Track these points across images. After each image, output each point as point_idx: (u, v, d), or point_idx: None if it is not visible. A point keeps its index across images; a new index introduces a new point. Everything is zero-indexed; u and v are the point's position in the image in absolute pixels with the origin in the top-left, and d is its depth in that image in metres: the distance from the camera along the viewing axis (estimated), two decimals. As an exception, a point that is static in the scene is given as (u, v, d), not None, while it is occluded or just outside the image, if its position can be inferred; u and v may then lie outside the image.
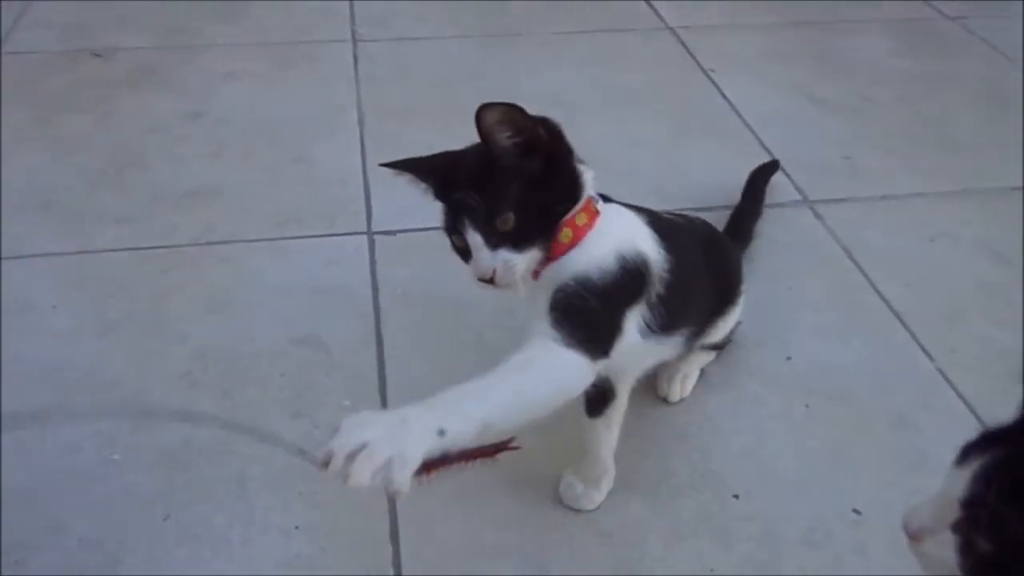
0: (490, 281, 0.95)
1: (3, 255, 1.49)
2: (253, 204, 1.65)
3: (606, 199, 1.04)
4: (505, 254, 0.94)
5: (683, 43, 2.26)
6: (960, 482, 0.60)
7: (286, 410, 1.23)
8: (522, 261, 0.95)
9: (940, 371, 1.34)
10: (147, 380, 1.27)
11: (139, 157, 1.76)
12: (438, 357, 1.32)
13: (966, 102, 2.05)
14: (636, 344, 1.00)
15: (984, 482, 0.59)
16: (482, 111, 0.91)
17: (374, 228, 1.59)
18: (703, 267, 1.14)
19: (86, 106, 1.91)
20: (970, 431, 1.23)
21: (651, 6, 2.44)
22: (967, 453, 0.62)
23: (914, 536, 0.63)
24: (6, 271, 1.46)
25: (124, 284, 1.45)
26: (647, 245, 1.00)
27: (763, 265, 1.51)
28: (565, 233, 0.97)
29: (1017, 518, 0.57)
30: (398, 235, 1.57)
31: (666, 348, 1.09)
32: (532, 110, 0.95)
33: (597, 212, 0.99)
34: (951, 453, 1.19)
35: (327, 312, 1.41)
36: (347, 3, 2.38)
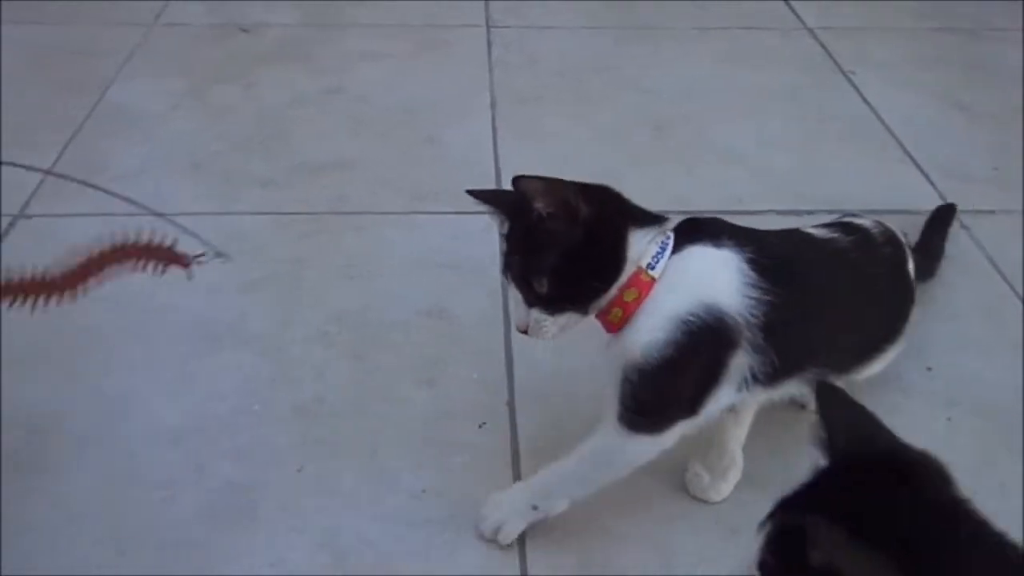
0: (524, 331, 1.00)
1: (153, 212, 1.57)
2: (387, 178, 1.69)
3: (694, 236, 0.97)
4: (537, 314, 0.98)
5: (822, 44, 2.19)
6: (754, 549, 0.63)
7: (416, 377, 1.26)
8: (554, 324, 0.98)
9: (1093, 393, 1.26)
10: (286, 337, 1.32)
11: (281, 127, 1.82)
12: (562, 340, 1.32)
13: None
14: (736, 397, 0.99)
15: (768, 549, 0.62)
16: (517, 182, 0.92)
17: (504, 209, 1.60)
18: (845, 302, 1.06)
19: (234, 77, 1.99)
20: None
21: (789, 5, 2.38)
22: (764, 519, 0.65)
23: None
24: (156, 227, 1.53)
25: (265, 246, 1.51)
26: (726, 292, 0.94)
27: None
28: (615, 313, 0.97)
29: None
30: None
31: (778, 391, 1.04)
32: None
33: (651, 281, 0.95)
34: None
35: (456, 287, 1.43)
36: (482, -10, 2.42)
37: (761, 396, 1.03)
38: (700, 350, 0.94)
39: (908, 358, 1.32)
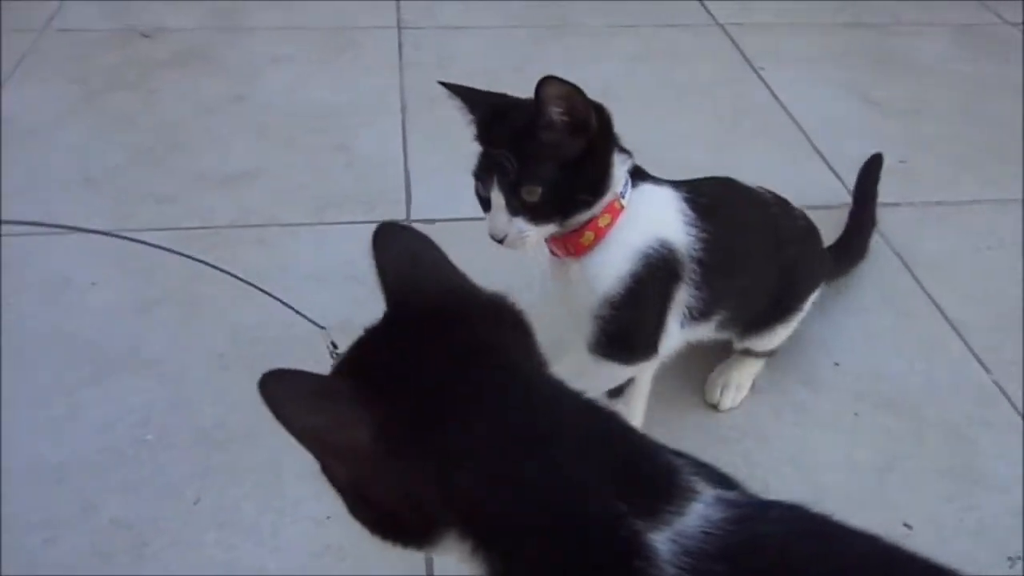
0: (500, 241, 0.97)
1: (44, 231, 1.49)
2: (293, 188, 1.64)
3: (640, 176, 1.03)
4: (521, 223, 0.96)
5: (732, 39, 2.21)
6: None
7: (321, 397, 1.21)
8: (535, 234, 0.97)
9: (997, 384, 1.28)
10: (185, 360, 1.26)
11: (182, 137, 1.75)
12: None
13: (1026, 108, 1.98)
14: (677, 335, 1.05)
15: None
16: (545, 82, 0.91)
17: (413, 216, 1.57)
18: (763, 251, 1.11)
19: (132, 85, 1.91)
20: (1028, 447, 1.19)
21: (702, 3, 2.39)
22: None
23: None
24: (46, 247, 1.46)
25: (163, 264, 1.43)
26: (674, 227, 1.00)
27: (813, 268, 1.47)
28: (587, 236, 0.98)
29: None
30: (437, 224, 1.55)
31: (700, 332, 1.10)
32: None
33: (620, 209, 0.99)
34: (1008, 470, 1.16)
35: (365, 299, 1.37)
36: (393, -10, 2.37)
37: (691, 335, 1.09)
38: (657, 282, 1.00)
39: (816, 353, 1.33)
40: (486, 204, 0.98)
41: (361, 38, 2.14)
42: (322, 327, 0.89)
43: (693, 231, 1.00)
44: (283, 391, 0.55)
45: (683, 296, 1.02)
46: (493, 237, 0.98)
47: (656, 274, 0.99)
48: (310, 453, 0.58)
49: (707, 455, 1.15)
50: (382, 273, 0.64)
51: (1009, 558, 1.04)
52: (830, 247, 1.36)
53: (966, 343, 1.35)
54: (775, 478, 1.14)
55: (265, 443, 1.14)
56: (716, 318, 1.08)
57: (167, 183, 1.63)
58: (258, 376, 1.28)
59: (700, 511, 0.53)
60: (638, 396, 1.13)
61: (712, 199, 1.04)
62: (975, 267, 1.51)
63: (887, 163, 1.56)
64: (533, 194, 0.94)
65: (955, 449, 1.19)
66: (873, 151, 1.69)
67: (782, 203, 1.18)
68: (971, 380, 1.29)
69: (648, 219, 1.00)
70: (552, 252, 1.04)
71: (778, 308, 1.18)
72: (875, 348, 1.34)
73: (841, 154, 1.77)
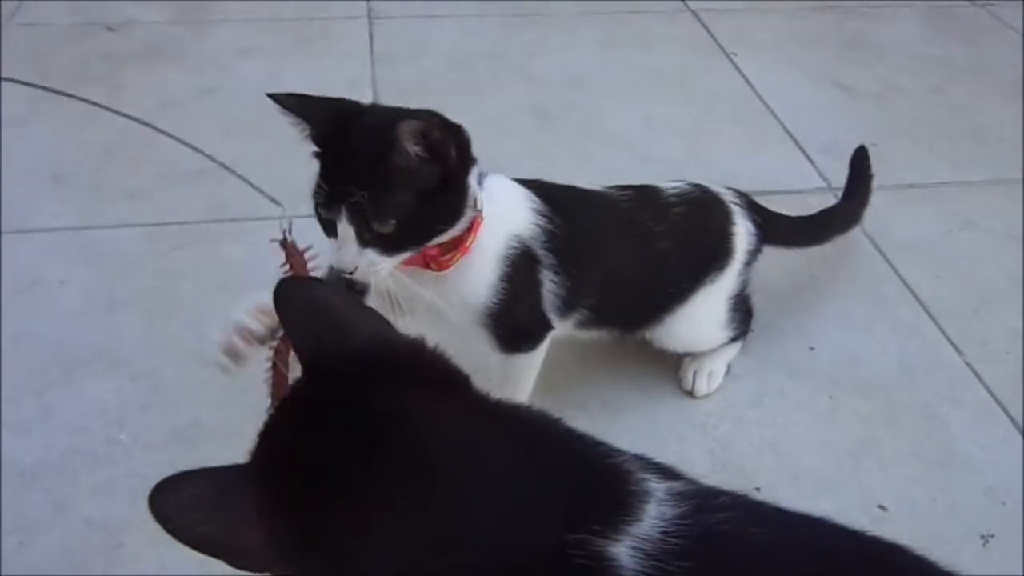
0: (350, 273, 0.92)
1: (11, 229, 1.47)
2: (265, 182, 1.61)
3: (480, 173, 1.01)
4: (372, 255, 0.91)
5: (704, 25, 2.21)
6: None
7: (297, 392, 1.20)
8: (388, 265, 0.92)
9: (969, 365, 1.30)
10: (158, 358, 1.25)
11: (151, 133, 1.73)
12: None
13: (995, 90, 2.00)
14: (562, 327, 1.10)
15: None
16: (401, 124, 0.86)
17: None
18: (617, 242, 1.11)
19: (98, 80, 1.87)
20: (999, 427, 1.21)
21: (673, -12, 2.39)
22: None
23: None
24: (14, 246, 1.44)
25: (134, 261, 1.43)
26: (524, 220, 1.02)
27: (785, 253, 1.47)
28: (456, 257, 0.97)
29: None
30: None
31: (574, 323, 1.11)
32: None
33: (480, 221, 0.97)
34: (979, 450, 1.17)
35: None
36: (364, -20, 2.35)
37: (568, 327, 1.11)
38: (521, 273, 1.01)
39: (791, 339, 1.34)
40: (331, 229, 0.92)
41: (332, 29, 2.12)
42: (279, 204, 0.88)
43: (542, 219, 1.02)
44: (173, 503, 0.53)
45: (547, 282, 1.04)
46: (341, 270, 0.92)
47: (520, 268, 1.00)
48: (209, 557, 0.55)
49: (685, 443, 1.17)
50: (291, 336, 0.61)
51: (982, 536, 1.06)
52: (795, 217, 1.34)
53: (938, 325, 1.36)
54: (752, 464, 1.15)
55: (239, 442, 1.13)
56: (580, 310, 1.09)
57: (137, 179, 1.61)
58: (235, 374, 1.27)
59: (654, 512, 0.52)
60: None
61: (556, 194, 1.06)
62: (946, 249, 1.52)
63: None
64: (386, 227, 0.89)
65: (928, 431, 1.20)
66: (844, 135, 1.70)
67: (643, 195, 1.15)
68: (944, 362, 1.31)
69: (502, 219, 0.99)
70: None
71: (659, 301, 1.16)
72: (849, 332, 1.35)
73: (813, 138, 1.79)
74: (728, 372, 1.26)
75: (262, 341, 0.89)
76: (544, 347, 1.10)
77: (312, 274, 0.92)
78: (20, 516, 1.03)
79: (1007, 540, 1.06)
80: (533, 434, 0.57)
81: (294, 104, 0.94)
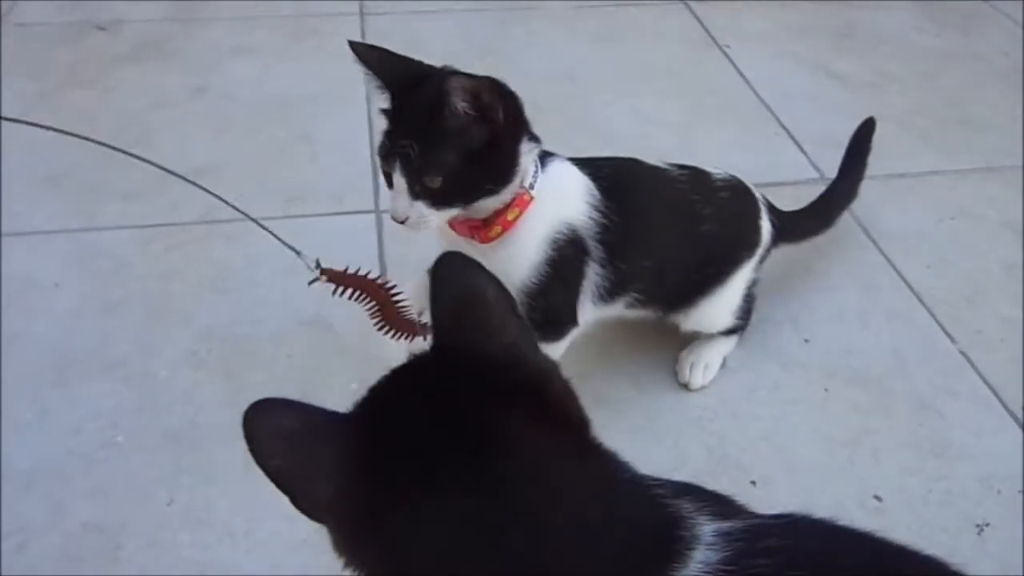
0: (401, 222, 0.97)
1: (4, 231, 1.47)
2: (259, 181, 1.62)
3: (548, 155, 1.04)
4: (422, 208, 0.96)
5: (697, 17, 2.20)
6: None
7: (291, 392, 1.19)
8: (436, 218, 0.97)
9: (963, 353, 1.30)
10: (152, 360, 1.25)
11: (144, 133, 1.73)
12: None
13: (988, 79, 2.00)
14: (591, 311, 1.09)
15: None
16: (451, 79, 0.91)
17: (382, 206, 1.55)
18: (671, 229, 1.13)
19: (91, 80, 1.87)
20: (993, 416, 1.21)
21: (666, -20, 2.38)
22: None
23: None
24: (7, 248, 1.44)
25: (129, 262, 1.43)
26: (579, 209, 1.03)
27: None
28: (495, 231, 1.00)
29: None
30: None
31: (615, 309, 1.12)
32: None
33: (530, 200, 1.00)
34: (974, 439, 1.18)
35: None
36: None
37: (605, 312, 1.12)
38: (568, 262, 1.03)
39: (786, 330, 1.34)
40: (390, 181, 0.98)
41: (323, 26, 2.12)
42: (297, 252, 0.93)
43: (597, 213, 1.03)
44: (263, 425, 0.54)
45: (592, 274, 1.05)
46: (394, 218, 0.98)
47: (566, 255, 1.02)
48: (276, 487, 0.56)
49: (681, 437, 1.17)
50: (433, 309, 0.60)
51: (977, 525, 1.06)
52: (799, 210, 1.36)
53: (932, 314, 1.37)
54: (749, 457, 1.15)
55: (236, 441, 1.12)
56: (628, 296, 1.11)
57: (130, 179, 1.60)
58: (229, 373, 1.27)
59: (700, 557, 0.51)
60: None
61: (616, 179, 1.06)
62: (939, 238, 1.53)
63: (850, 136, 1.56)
64: (434, 181, 0.94)
65: (922, 420, 1.20)
66: (837, 125, 1.69)
67: (696, 178, 1.17)
68: (937, 351, 1.31)
69: (556, 204, 1.02)
70: (456, 234, 1.04)
71: (699, 283, 1.18)
72: (843, 323, 1.36)
73: (806, 129, 1.79)
74: (724, 365, 1.26)
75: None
76: (566, 343, 1.10)
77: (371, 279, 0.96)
78: (17, 519, 1.03)
79: (1003, 528, 1.06)
80: (614, 481, 0.57)
81: (371, 58, 1.00)
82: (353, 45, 1.00)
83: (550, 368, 0.60)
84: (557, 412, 0.58)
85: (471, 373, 0.57)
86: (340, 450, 0.55)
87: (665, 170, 1.15)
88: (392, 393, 0.58)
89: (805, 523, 0.57)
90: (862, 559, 0.55)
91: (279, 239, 0.94)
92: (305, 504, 0.56)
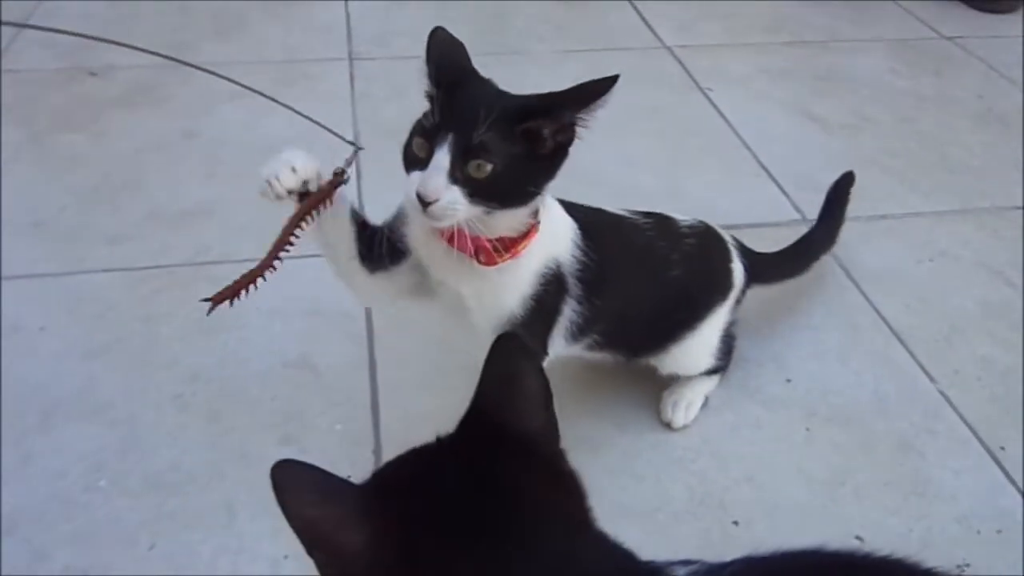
0: (424, 205, 0.89)
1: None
2: (247, 224, 1.63)
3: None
4: (457, 193, 0.89)
5: (680, 62, 2.25)
6: None
7: (275, 434, 1.21)
8: (464, 211, 0.90)
9: (942, 393, 1.32)
10: (137, 403, 1.25)
11: (133, 176, 1.75)
12: (431, 381, 1.30)
13: (965, 122, 2.05)
14: (562, 347, 1.10)
15: None
16: (565, 111, 0.93)
17: (369, 248, 1.57)
18: (638, 274, 1.15)
19: (81, 124, 1.89)
20: (972, 455, 1.22)
21: (648, 26, 2.43)
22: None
23: None
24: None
25: (115, 306, 1.43)
26: (565, 247, 1.05)
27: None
28: (504, 256, 0.99)
29: None
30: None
31: (582, 348, 1.14)
32: None
33: (536, 232, 1.00)
34: (953, 477, 1.19)
35: (320, 335, 1.39)
36: (344, 22, 2.38)
37: (574, 350, 1.14)
38: (550, 297, 1.04)
39: (768, 370, 1.36)
40: (414, 164, 0.92)
41: (313, 70, 2.15)
42: (351, 142, 1.01)
43: (579, 251, 1.05)
44: (292, 478, 0.57)
45: (568, 311, 1.07)
46: (422, 199, 0.88)
47: (551, 291, 1.03)
48: (302, 544, 0.58)
49: (663, 478, 1.17)
50: (481, 379, 0.65)
51: (958, 566, 1.07)
52: (775, 252, 1.38)
53: (911, 354, 1.38)
54: (731, 497, 1.16)
55: (219, 484, 1.14)
56: (594, 335, 1.12)
57: (118, 223, 1.62)
58: (214, 415, 1.28)
59: None
60: None
61: (588, 221, 1.08)
62: (917, 278, 1.55)
63: (832, 179, 1.57)
64: (482, 169, 0.89)
65: (903, 460, 1.21)
66: (817, 167, 1.73)
67: (661, 225, 1.18)
68: (917, 390, 1.33)
69: (551, 239, 1.03)
70: (455, 249, 1.00)
71: (668, 329, 1.19)
72: (825, 363, 1.37)
73: (787, 171, 1.82)
74: (706, 404, 1.27)
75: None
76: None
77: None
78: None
79: (982, 569, 1.07)
80: (610, 546, 0.63)
81: (439, 55, 1.01)
82: (434, 33, 1.02)
83: (563, 454, 0.67)
84: (568, 488, 0.65)
85: (498, 441, 0.63)
86: (372, 499, 0.58)
87: (630, 219, 1.16)
88: (423, 456, 0.64)
89: (757, 559, 0.63)
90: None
91: (322, 125, 1.03)
92: (334, 558, 0.58)
